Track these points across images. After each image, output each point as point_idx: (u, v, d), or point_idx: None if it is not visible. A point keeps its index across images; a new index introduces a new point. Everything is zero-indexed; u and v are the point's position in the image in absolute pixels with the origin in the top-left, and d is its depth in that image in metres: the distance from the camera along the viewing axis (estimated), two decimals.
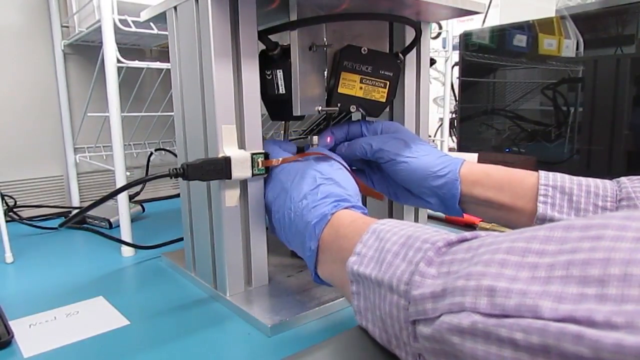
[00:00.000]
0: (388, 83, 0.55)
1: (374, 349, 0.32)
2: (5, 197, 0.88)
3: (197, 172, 0.45)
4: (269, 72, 0.52)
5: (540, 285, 0.20)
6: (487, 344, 0.21)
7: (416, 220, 0.66)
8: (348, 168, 0.47)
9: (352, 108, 0.53)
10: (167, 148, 1.06)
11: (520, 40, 0.99)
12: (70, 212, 0.92)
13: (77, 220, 0.81)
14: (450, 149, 1.26)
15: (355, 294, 0.33)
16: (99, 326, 0.44)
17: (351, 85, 0.53)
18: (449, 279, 0.25)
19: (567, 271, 0.20)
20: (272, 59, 0.51)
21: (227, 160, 0.45)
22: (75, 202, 0.96)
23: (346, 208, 0.41)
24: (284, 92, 0.52)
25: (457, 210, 0.50)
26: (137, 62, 0.69)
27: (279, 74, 0.51)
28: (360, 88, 0.53)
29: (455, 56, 1.16)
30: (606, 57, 0.87)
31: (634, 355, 0.16)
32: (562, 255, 0.21)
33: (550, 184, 0.44)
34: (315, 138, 0.55)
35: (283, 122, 0.58)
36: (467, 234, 0.29)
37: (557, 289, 0.20)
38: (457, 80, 1.14)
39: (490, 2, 1.19)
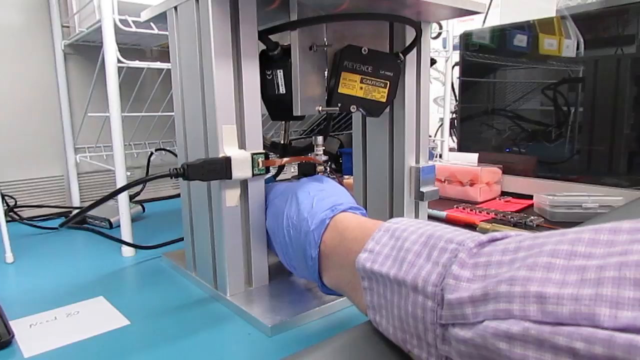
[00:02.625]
0: (388, 83, 0.55)
1: (375, 348, 0.32)
2: (6, 197, 0.88)
3: (197, 172, 0.45)
4: (269, 72, 0.52)
5: (591, 287, 0.19)
6: (540, 351, 0.20)
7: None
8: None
9: (353, 108, 0.53)
10: (168, 148, 1.06)
11: (521, 40, 0.99)
12: (70, 212, 0.93)
13: (78, 220, 0.81)
14: (451, 149, 1.26)
15: (368, 289, 0.32)
16: (100, 326, 0.44)
17: (351, 85, 0.53)
18: (488, 283, 0.23)
19: (620, 272, 0.19)
20: (273, 59, 0.51)
21: (227, 160, 0.45)
22: (76, 202, 0.96)
23: (344, 211, 0.41)
24: (284, 92, 0.52)
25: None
26: (137, 62, 0.69)
27: (280, 74, 0.51)
28: (361, 88, 0.53)
29: (455, 56, 1.16)
30: (607, 57, 0.87)
31: None
32: (612, 257, 0.20)
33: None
34: (319, 138, 0.55)
35: (283, 122, 0.58)
36: (497, 234, 0.27)
37: (611, 292, 0.19)
38: (458, 80, 1.14)
39: (491, 2, 1.19)
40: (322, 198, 0.43)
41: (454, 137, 1.30)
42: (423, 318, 0.27)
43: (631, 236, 0.20)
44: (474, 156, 1.09)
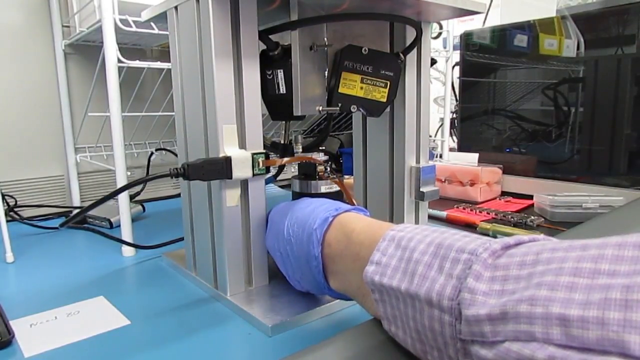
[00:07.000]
0: (389, 83, 0.55)
1: (375, 347, 0.32)
2: (6, 197, 0.88)
3: (197, 172, 0.45)
4: (269, 72, 0.52)
5: (618, 310, 0.19)
6: None
7: (417, 221, 0.65)
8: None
9: (353, 108, 0.53)
10: (168, 148, 1.06)
11: (521, 40, 0.99)
12: (70, 211, 0.92)
13: (78, 220, 0.81)
14: (451, 149, 1.26)
15: (380, 302, 0.31)
16: (100, 326, 0.44)
17: (352, 85, 0.53)
18: (507, 301, 0.23)
19: None
20: (273, 59, 0.51)
21: (227, 160, 0.45)
22: (76, 201, 0.96)
23: (347, 211, 0.41)
24: (284, 92, 0.52)
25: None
26: (137, 62, 0.69)
27: (280, 73, 0.51)
28: (361, 88, 0.53)
29: (456, 56, 1.16)
30: (607, 57, 0.87)
31: None
32: (638, 276, 0.19)
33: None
34: (299, 137, 0.56)
35: (283, 122, 0.58)
36: (510, 240, 0.26)
37: None
38: (458, 80, 1.14)
39: (491, 2, 1.19)
40: (323, 203, 0.44)
41: (454, 137, 1.30)
42: (442, 332, 0.26)
43: None
44: (474, 156, 1.09)
